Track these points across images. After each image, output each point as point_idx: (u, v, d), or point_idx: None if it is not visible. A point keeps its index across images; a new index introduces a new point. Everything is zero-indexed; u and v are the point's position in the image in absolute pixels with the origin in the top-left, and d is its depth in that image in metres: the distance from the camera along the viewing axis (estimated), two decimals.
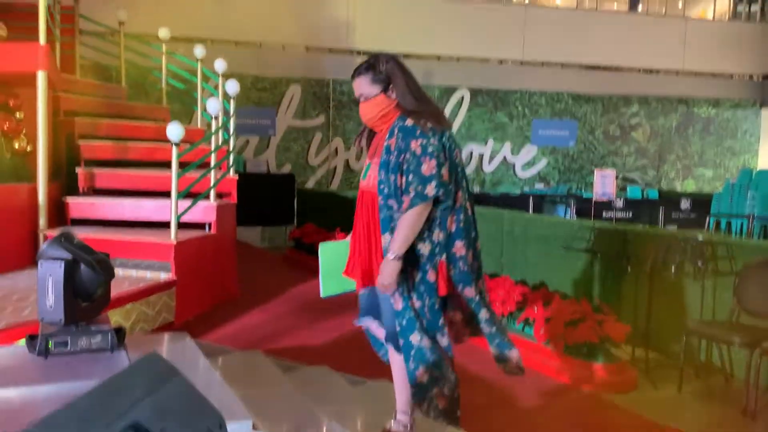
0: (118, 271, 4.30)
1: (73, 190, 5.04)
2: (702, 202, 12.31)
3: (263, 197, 10.75)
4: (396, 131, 2.30)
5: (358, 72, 2.41)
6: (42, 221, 4.51)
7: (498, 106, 14.03)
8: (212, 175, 4.87)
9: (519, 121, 14.17)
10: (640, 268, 4.02)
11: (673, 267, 3.72)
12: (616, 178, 12.07)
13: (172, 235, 4.32)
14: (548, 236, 4.85)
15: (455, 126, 13.85)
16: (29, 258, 4.51)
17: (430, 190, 2.21)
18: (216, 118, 4.83)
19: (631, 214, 12.85)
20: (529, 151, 14.30)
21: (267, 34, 12.96)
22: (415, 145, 2.24)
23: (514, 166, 14.26)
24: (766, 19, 15.10)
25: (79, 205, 4.82)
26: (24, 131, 4.73)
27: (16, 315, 3.21)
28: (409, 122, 2.28)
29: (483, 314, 2.40)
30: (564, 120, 14.41)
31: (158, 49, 6.54)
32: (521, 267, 5.00)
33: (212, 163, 4.87)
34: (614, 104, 14.59)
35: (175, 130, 4.18)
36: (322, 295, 2.57)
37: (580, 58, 14.56)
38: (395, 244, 2.25)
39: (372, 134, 2.50)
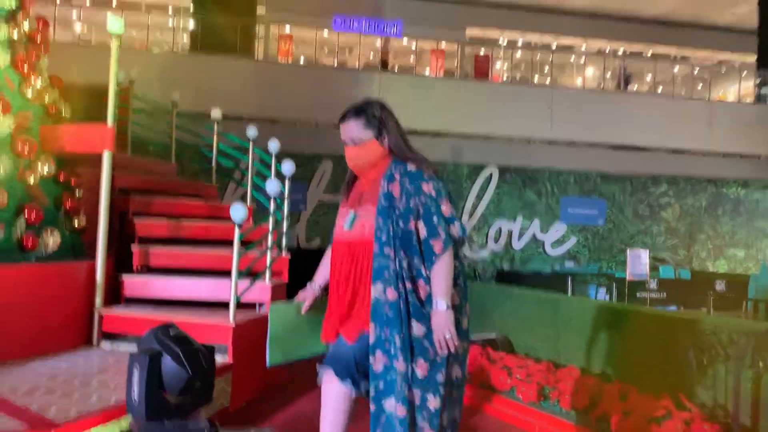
0: None
1: (125, 268, 5.00)
2: (737, 284, 12.08)
3: (293, 271, 10.66)
4: (397, 176, 2.21)
5: (348, 115, 2.32)
6: (98, 300, 4.45)
7: (527, 183, 14.08)
8: (268, 255, 4.83)
9: (548, 198, 14.19)
10: (717, 361, 3.85)
11: (760, 362, 3.55)
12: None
13: (231, 316, 4.24)
14: (608, 323, 4.71)
15: (484, 202, 13.87)
16: (84, 337, 4.44)
17: (456, 230, 2.18)
18: (273, 198, 4.83)
19: (665, 295, 12.63)
20: (559, 229, 14.24)
21: (301, 113, 13.25)
22: (428, 188, 2.18)
23: (543, 243, 14.16)
24: None
25: (133, 284, 4.77)
26: (83, 209, 4.76)
27: (85, 402, 3.10)
28: (412, 167, 2.22)
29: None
30: (593, 198, 14.40)
31: (208, 128, 6.66)
32: (580, 355, 4.83)
33: (269, 243, 4.83)
34: (643, 184, 14.60)
35: (238, 211, 4.17)
36: (268, 363, 2.31)
37: (607, 138, 14.69)
38: (441, 292, 2.12)
39: (350, 184, 2.40)
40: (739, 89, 16.04)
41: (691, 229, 14.84)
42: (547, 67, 18.23)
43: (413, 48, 19.04)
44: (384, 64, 15.20)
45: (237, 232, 4.21)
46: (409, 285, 2.13)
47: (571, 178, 14.33)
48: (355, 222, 2.26)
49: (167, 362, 2.34)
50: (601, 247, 14.51)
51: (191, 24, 14.32)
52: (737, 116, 15.08)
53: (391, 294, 2.12)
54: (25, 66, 4.36)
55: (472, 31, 19.11)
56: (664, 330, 4.15)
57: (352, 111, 2.32)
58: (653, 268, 13.57)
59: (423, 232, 2.15)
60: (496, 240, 13.94)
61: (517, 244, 14.05)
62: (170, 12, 16.78)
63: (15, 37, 4.40)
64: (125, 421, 2.81)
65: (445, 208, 2.16)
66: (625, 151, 14.74)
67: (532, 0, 18.70)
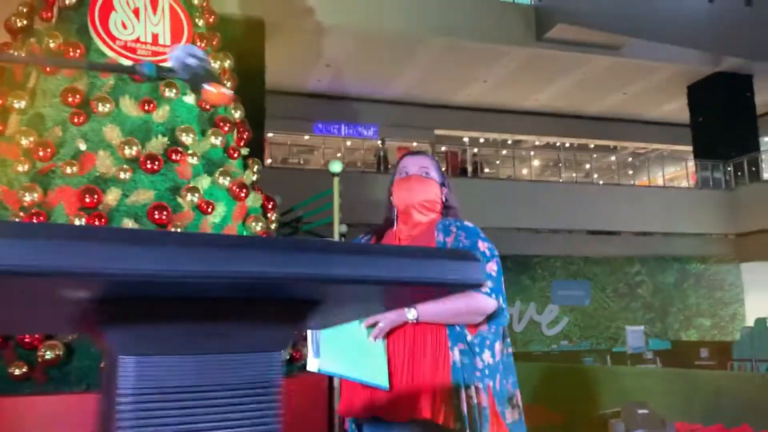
0: None
1: None
2: (717, 350, 13.61)
3: None
4: (454, 229, 1.96)
5: (421, 152, 2.18)
6: (336, 404, 5.03)
7: (521, 269, 15.33)
8: None
9: (540, 282, 15.46)
10: None
11: None
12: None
13: None
14: None
15: None
16: None
17: (485, 286, 1.83)
18: None
19: (660, 365, 13.97)
20: (552, 310, 15.47)
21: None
22: (483, 246, 1.92)
23: (540, 324, 15.31)
24: (729, 185, 17.55)
25: None
26: None
27: None
28: (469, 223, 1.99)
29: None
30: (579, 281, 15.81)
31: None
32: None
33: None
34: (620, 264, 16.21)
35: None
36: (317, 367, 1.76)
37: (585, 225, 16.34)
38: (428, 307, 1.77)
39: (379, 236, 2.05)
40: (687, 175, 18.33)
41: (663, 303, 16.49)
42: (498, 161, 20.11)
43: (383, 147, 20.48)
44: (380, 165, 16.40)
45: None
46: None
47: (558, 262, 15.73)
48: None
49: None
50: (590, 325, 15.82)
51: None
52: (688, 200, 17.21)
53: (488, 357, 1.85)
54: (270, 203, 5.08)
55: (440, 132, 20.81)
56: None
57: (424, 152, 2.19)
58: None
59: None
60: None
61: (518, 327, 15.11)
62: None
63: (254, 178, 5.13)
64: None
65: (490, 266, 1.87)
66: (601, 235, 16.40)
67: (493, 103, 20.73)
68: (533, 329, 15.21)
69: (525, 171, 20.94)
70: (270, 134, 19.07)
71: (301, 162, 21.66)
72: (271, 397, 0.58)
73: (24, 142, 4.02)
